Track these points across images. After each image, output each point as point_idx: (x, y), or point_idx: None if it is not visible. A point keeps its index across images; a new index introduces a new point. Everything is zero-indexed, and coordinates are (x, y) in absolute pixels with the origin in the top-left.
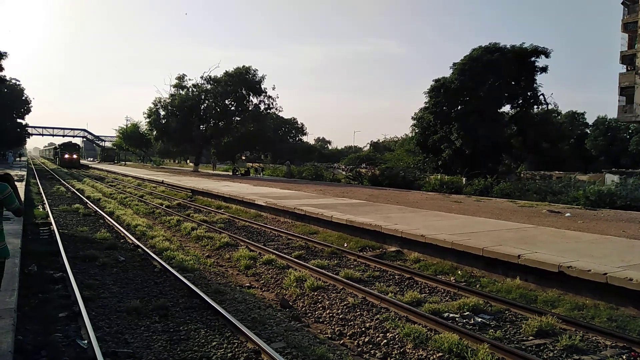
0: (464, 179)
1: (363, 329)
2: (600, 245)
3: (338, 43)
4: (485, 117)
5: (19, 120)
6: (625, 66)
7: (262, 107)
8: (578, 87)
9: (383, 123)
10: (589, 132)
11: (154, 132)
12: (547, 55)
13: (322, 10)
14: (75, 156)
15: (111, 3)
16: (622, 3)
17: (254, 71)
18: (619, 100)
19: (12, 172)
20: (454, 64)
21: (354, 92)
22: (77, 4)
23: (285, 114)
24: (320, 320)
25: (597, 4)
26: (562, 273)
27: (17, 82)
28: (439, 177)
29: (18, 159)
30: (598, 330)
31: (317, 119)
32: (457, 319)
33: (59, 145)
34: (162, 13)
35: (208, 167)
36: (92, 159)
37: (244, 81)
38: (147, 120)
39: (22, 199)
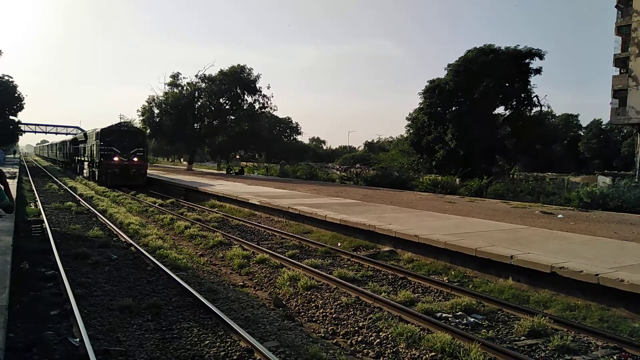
0: (457, 179)
1: (356, 328)
2: (592, 247)
3: (333, 43)
4: (480, 119)
5: (11, 117)
6: (618, 69)
7: (257, 106)
8: (574, 89)
9: (378, 123)
10: (582, 134)
11: (148, 131)
12: (541, 57)
13: (317, 10)
14: (136, 159)
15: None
16: (615, 6)
17: (249, 70)
18: (611, 103)
19: (4, 170)
20: (449, 65)
21: (349, 92)
22: (70, 1)
23: (280, 113)
24: (314, 319)
25: (591, 7)
26: (555, 274)
27: (10, 79)
28: (432, 177)
29: (11, 156)
30: (589, 330)
31: (312, 118)
32: (449, 319)
33: (97, 132)
34: (156, 11)
35: (202, 165)
36: None
37: (238, 80)
38: (141, 118)
39: (14, 196)
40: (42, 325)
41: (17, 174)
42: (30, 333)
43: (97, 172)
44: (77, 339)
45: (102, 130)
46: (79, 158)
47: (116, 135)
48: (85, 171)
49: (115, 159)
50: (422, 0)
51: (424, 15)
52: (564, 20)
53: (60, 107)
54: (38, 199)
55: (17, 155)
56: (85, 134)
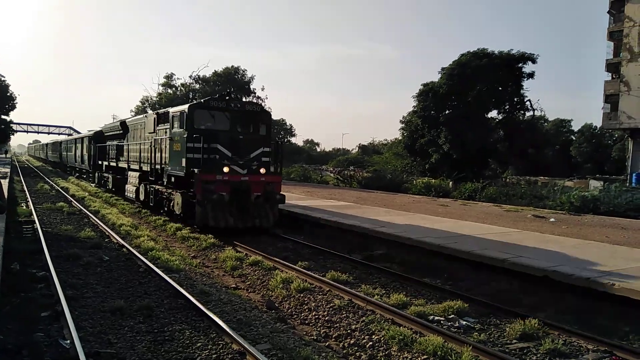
0: (451, 182)
1: (349, 331)
2: (583, 250)
3: (330, 45)
4: (473, 122)
5: (3, 117)
6: (610, 74)
7: None
8: (572, 94)
9: (372, 126)
10: (574, 138)
11: None
12: (533, 61)
13: (315, 11)
14: (262, 171)
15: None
16: (607, 12)
17: (243, 71)
18: (603, 108)
19: None
20: (443, 69)
21: (344, 94)
22: (65, 0)
23: (274, 115)
24: (306, 322)
25: (586, 13)
26: (547, 277)
27: (2, 78)
28: (425, 180)
29: (3, 155)
30: (580, 334)
31: (306, 120)
32: (442, 322)
33: (178, 112)
34: (151, 11)
35: None
36: None
37: (232, 81)
38: None
39: (5, 196)
40: (33, 327)
41: (9, 173)
42: (21, 334)
43: (179, 199)
44: (68, 341)
45: (190, 108)
46: (110, 163)
47: (221, 122)
48: (130, 189)
49: (225, 170)
50: (422, 2)
51: (424, 17)
52: (560, 23)
53: (55, 106)
54: (29, 199)
55: (8, 155)
56: (122, 123)
